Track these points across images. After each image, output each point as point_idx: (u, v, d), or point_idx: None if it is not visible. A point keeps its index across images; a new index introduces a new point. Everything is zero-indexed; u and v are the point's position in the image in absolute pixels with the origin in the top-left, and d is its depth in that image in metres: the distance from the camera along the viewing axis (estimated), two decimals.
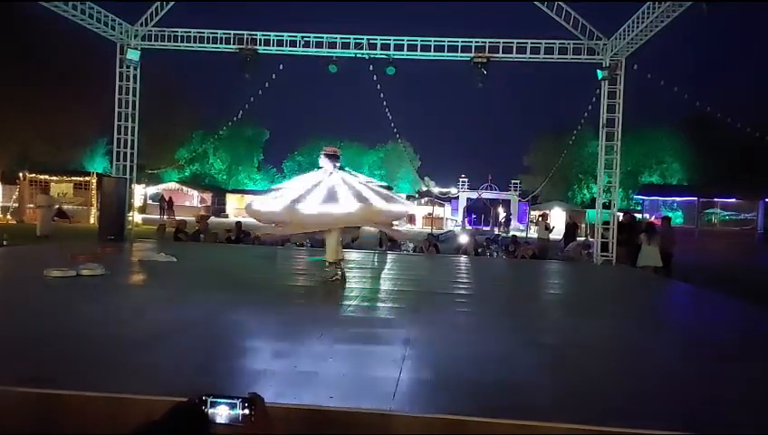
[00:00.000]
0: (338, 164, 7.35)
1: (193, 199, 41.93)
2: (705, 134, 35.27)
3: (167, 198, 36.15)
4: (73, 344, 4.03)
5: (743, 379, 4.03)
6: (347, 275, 7.73)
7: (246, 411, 1.51)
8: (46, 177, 27.17)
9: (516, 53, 12.74)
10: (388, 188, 8.29)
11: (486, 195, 39.13)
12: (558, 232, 19.11)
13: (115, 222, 12.77)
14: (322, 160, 7.34)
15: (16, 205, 24.92)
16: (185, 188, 41.89)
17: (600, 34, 12.45)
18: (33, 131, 30.57)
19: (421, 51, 12.93)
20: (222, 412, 1.50)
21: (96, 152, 38.21)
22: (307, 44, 13.05)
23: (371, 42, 12.95)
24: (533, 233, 26.50)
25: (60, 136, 31.94)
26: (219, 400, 1.51)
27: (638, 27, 11.16)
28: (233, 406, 1.51)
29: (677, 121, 39.18)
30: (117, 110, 13.32)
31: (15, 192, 25.73)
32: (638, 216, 25.96)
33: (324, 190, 6.91)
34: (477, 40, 12.73)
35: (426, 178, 44.11)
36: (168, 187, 40.25)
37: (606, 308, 7.57)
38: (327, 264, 7.61)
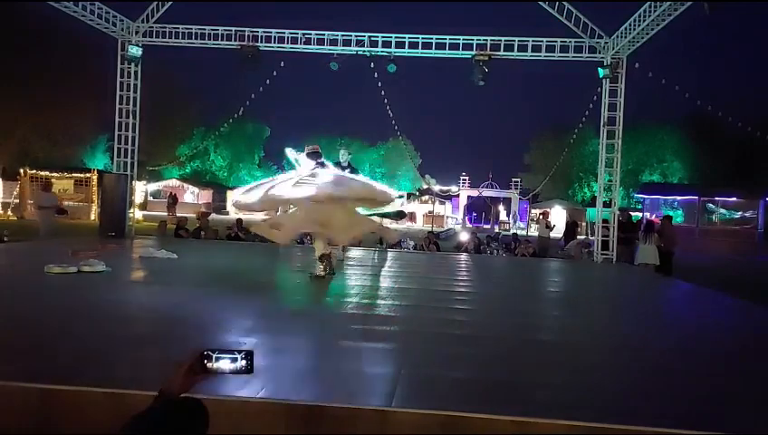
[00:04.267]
0: (320, 160, 7.43)
1: (188, 195, 41.64)
2: (706, 133, 35.21)
3: (172, 195, 35.88)
4: (74, 340, 4.05)
5: (743, 377, 4.04)
6: (341, 270, 7.64)
7: (245, 362, 1.68)
8: (47, 173, 27.16)
9: (518, 51, 12.73)
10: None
11: (487, 193, 39.10)
12: (558, 230, 19.11)
13: (116, 219, 12.79)
14: (302, 159, 7.42)
15: (17, 201, 24.94)
16: (185, 185, 41.78)
17: (602, 33, 12.43)
18: (34, 128, 30.54)
19: (422, 48, 12.92)
20: (225, 365, 1.69)
21: (97, 149, 38.10)
22: (308, 41, 13.05)
23: (372, 39, 12.94)
24: (534, 231, 26.49)
25: (60, 132, 31.90)
26: (222, 355, 1.69)
27: (639, 26, 11.16)
28: (234, 359, 1.69)
29: (678, 120, 39.08)
30: (118, 106, 13.32)
31: (16, 188, 25.74)
32: (636, 214, 25.87)
33: (292, 180, 7.11)
34: (479, 38, 12.72)
35: (426, 176, 44.04)
36: (169, 183, 40.17)
37: (606, 306, 7.59)
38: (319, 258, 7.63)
